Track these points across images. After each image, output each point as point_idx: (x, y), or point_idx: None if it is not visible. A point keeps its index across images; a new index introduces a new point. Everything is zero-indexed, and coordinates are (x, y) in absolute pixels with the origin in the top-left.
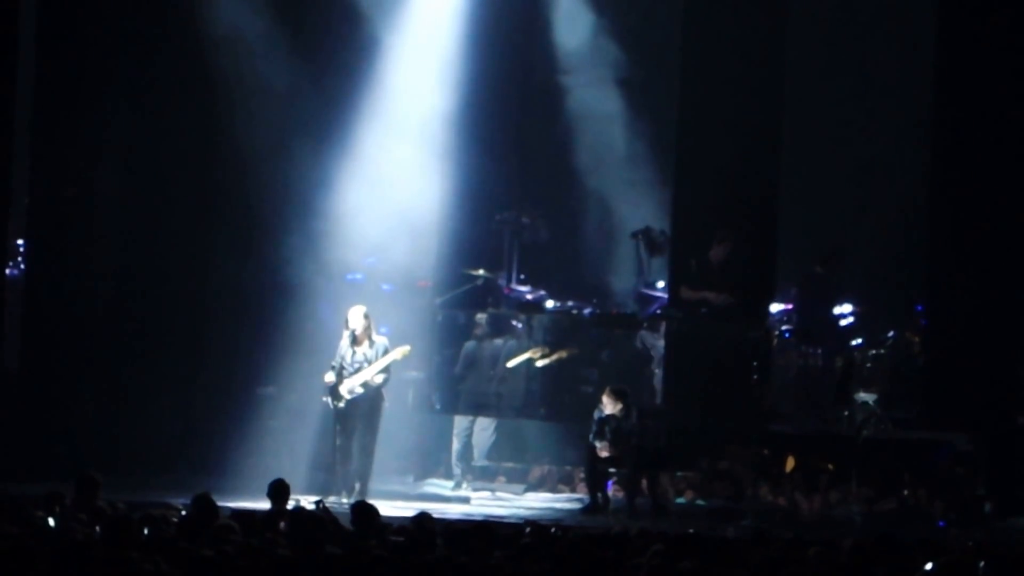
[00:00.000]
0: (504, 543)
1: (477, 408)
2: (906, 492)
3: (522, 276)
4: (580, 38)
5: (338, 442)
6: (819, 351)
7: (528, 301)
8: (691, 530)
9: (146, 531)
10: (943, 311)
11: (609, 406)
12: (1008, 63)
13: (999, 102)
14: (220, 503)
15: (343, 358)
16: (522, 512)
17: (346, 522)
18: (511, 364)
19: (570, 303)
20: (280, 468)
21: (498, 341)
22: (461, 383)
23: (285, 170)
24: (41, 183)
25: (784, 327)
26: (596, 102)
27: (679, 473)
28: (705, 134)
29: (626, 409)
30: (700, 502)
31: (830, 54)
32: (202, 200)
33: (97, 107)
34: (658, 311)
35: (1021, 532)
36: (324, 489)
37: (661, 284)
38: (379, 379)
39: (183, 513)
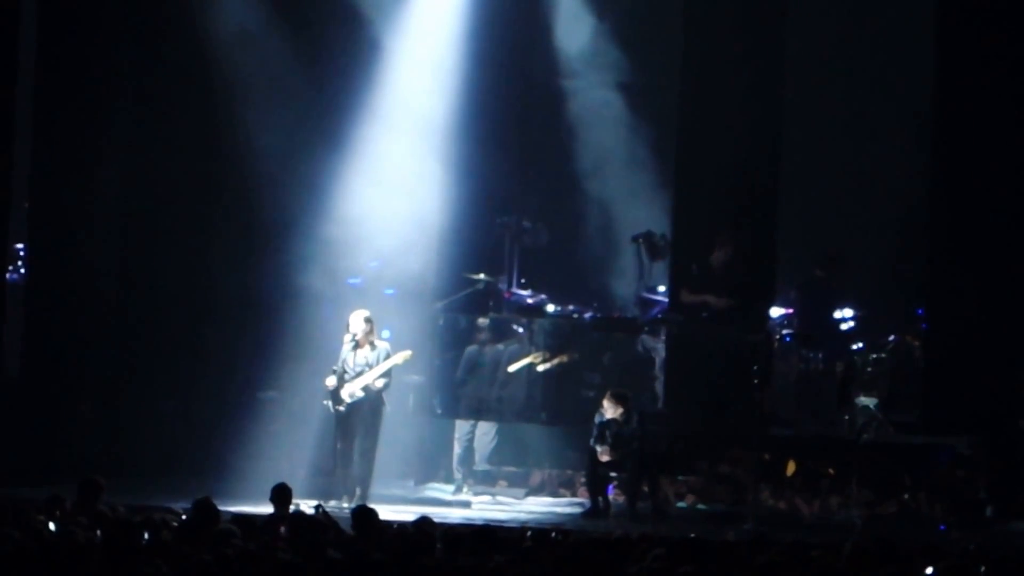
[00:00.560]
0: (505, 547)
1: (478, 412)
2: (907, 496)
3: (523, 280)
4: (581, 42)
5: (339, 446)
6: (820, 355)
7: (529, 305)
8: (692, 534)
9: (146, 535)
10: (943, 315)
11: (610, 410)
12: (1009, 67)
13: (999, 106)
14: (221, 507)
15: (344, 362)
16: (523, 516)
17: (347, 526)
18: (512, 369)
19: (571, 307)
20: (281, 472)
21: (499, 345)
22: (462, 387)
23: (287, 175)
24: (42, 187)
25: (785, 331)
26: (597, 106)
27: (680, 477)
28: (705, 138)
29: (627, 413)
30: (701, 506)
31: (830, 58)
32: (203, 205)
33: (98, 112)
34: (659, 315)
35: (1022, 536)
36: (325, 493)
37: (662, 288)
38: (380, 383)
39: (183, 517)
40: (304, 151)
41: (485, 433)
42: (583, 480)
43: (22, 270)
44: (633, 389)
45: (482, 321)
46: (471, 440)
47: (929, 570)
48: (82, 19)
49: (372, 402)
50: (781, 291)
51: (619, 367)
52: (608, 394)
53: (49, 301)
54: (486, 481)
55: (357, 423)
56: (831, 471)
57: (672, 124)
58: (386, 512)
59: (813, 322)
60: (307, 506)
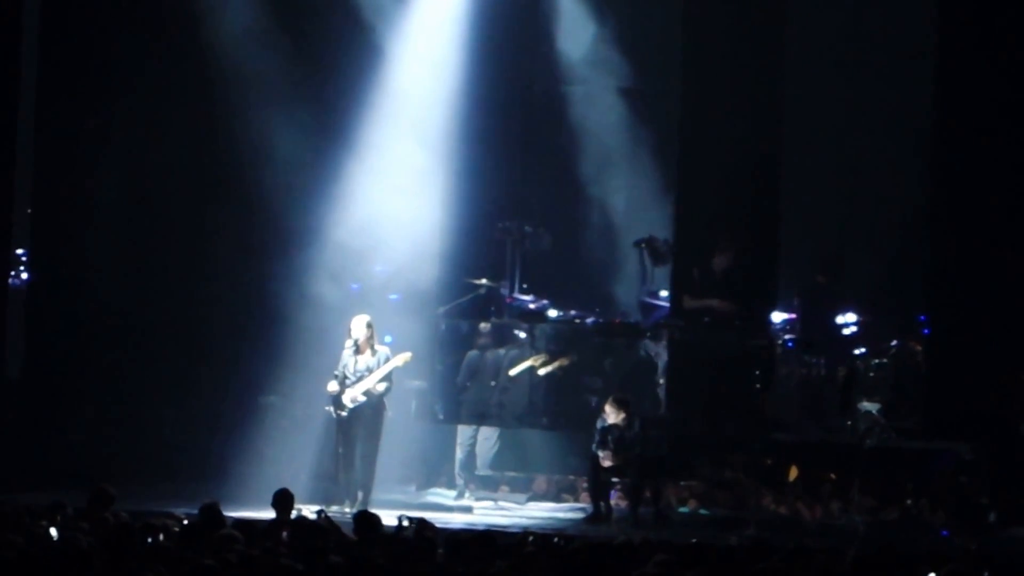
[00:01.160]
0: (507, 553)
1: (480, 417)
2: (909, 501)
3: (525, 285)
4: (583, 48)
5: (340, 451)
6: (822, 360)
7: (531, 310)
8: (694, 539)
9: (148, 540)
10: (946, 320)
11: (612, 415)
12: (1009, 72)
13: (1000, 112)
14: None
15: (346, 367)
16: (525, 522)
17: (348, 531)
18: (514, 372)
19: (573, 312)
20: (282, 478)
21: (501, 351)
22: (464, 392)
23: (288, 181)
24: (44, 192)
25: (787, 336)
26: (598, 111)
27: (682, 482)
28: (707, 143)
29: (629, 418)
30: (703, 511)
31: (831, 63)
32: (204, 210)
33: (100, 116)
34: (661, 320)
35: None
36: (327, 498)
37: (664, 293)
38: (381, 387)
39: (184, 523)
40: (307, 157)
41: (487, 438)
42: (585, 485)
43: (24, 275)
44: (635, 394)
45: (484, 326)
46: (473, 445)
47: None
48: (84, 24)
49: (374, 406)
50: (783, 296)
51: (621, 372)
52: (610, 399)
53: (51, 305)
54: (488, 486)
55: (359, 428)
56: (833, 476)
57: (674, 129)
58: (388, 517)
59: (815, 327)
60: (309, 511)
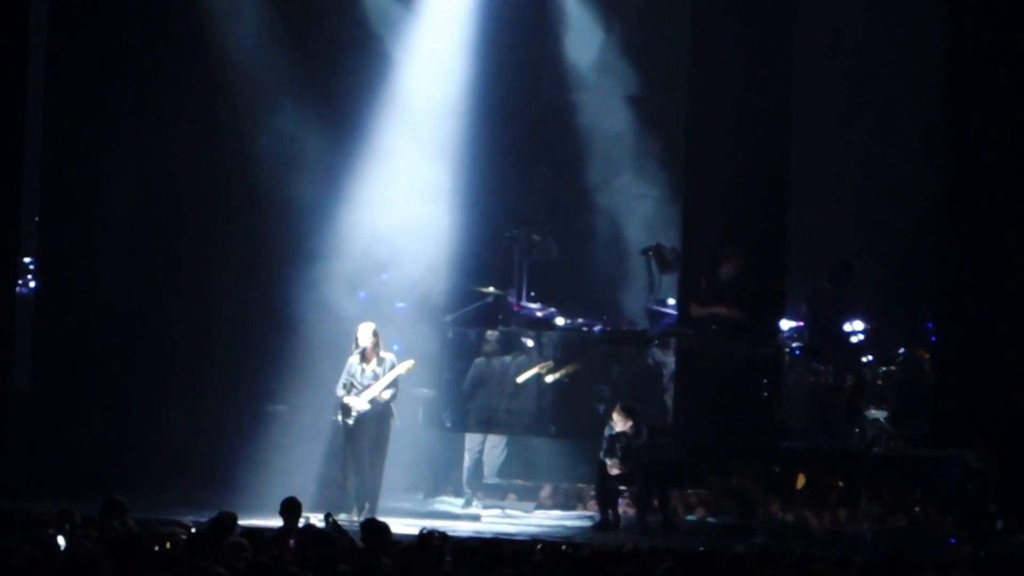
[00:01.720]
0: (514, 561)
1: (487, 425)
2: (917, 509)
3: (532, 293)
4: (590, 56)
5: (348, 459)
6: (829, 368)
7: (538, 318)
8: (702, 547)
9: (156, 549)
10: (953, 328)
11: (619, 423)
12: (1019, 82)
13: (1010, 117)
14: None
15: (352, 375)
16: (532, 530)
17: (356, 539)
18: (521, 379)
19: (580, 320)
20: (290, 485)
21: (508, 358)
22: (471, 400)
23: (298, 190)
24: (51, 201)
25: (794, 344)
26: (605, 119)
27: (690, 490)
28: (714, 150)
29: (636, 426)
30: (711, 519)
31: (838, 69)
32: (213, 217)
33: (107, 124)
34: (668, 328)
35: None
36: (334, 506)
37: (671, 301)
38: (387, 395)
39: (192, 530)
40: (315, 166)
41: (494, 446)
42: (593, 493)
43: (32, 283)
44: (642, 402)
45: (491, 334)
46: (481, 453)
47: None
48: (92, 32)
49: (380, 414)
50: (790, 304)
51: (628, 380)
52: (617, 407)
53: (59, 314)
54: (495, 494)
55: (366, 436)
56: (840, 484)
57: (681, 137)
58: (395, 525)
59: (822, 335)
60: (316, 519)
